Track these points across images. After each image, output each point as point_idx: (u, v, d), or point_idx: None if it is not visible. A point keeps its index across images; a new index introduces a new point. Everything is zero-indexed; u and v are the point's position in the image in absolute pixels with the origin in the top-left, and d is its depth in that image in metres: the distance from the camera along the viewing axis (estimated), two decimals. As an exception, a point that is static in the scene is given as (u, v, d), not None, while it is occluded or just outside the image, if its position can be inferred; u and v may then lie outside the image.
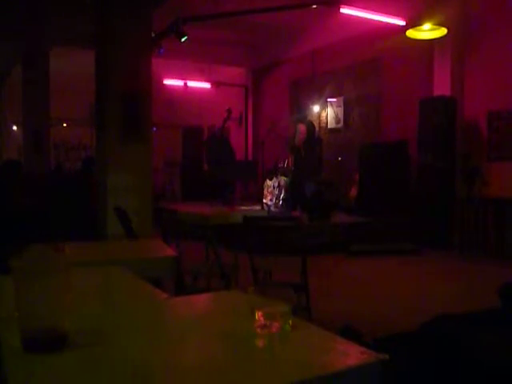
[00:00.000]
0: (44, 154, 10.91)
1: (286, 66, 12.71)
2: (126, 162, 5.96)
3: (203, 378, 1.03)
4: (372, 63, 10.17)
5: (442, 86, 8.32)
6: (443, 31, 7.51)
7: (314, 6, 8.85)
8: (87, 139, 14.37)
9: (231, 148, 11.53)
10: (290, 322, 1.26)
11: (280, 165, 9.51)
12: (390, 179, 8.65)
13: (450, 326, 1.78)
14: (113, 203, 5.27)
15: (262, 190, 9.49)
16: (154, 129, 8.22)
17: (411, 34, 7.66)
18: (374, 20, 8.88)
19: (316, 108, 11.54)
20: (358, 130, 10.65)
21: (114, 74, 6.02)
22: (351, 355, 1.12)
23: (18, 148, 13.56)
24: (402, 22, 8.83)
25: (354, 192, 9.59)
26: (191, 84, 14.05)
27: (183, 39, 9.01)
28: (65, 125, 15.18)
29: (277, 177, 9.20)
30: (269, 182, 9.29)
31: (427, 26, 7.47)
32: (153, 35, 7.50)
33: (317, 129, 10.79)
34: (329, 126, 11.38)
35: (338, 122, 11.13)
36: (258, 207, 9.52)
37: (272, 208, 9.02)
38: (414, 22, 7.68)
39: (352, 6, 8.53)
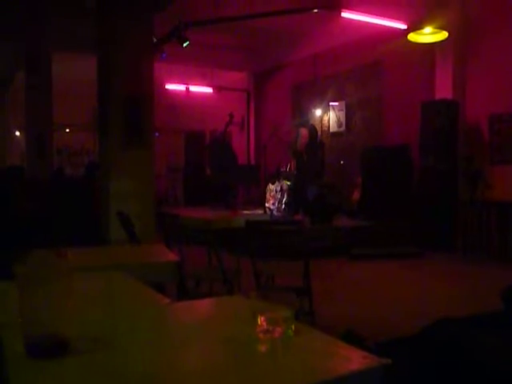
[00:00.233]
0: (47, 159, 10.92)
1: (287, 70, 12.73)
2: (129, 167, 5.98)
3: (206, 382, 1.03)
4: (373, 67, 10.18)
5: (443, 90, 8.32)
6: (444, 35, 7.51)
7: (316, 11, 8.87)
8: (90, 144, 14.40)
9: (233, 152, 11.55)
10: (293, 326, 1.26)
11: (282, 169, 9.52)
12: (392, 182, 8.64)
13: (453, 329, 1.78)
14: (115, 208, 5.28)
15: (265, 194, 9.49)
16: (157, 134, 8.23)
17: (412, 37, 7.66)
18: (375, 24, 8.89)
19: (318, 112, 11.55)
20: (360, 134, 10.66)
21: (116, 78, 6.04)
22: (354, 360, 1.12)
23: (21, 153, 13.59)
24: (403, 26, 8.84)
25: (356, 195, 9.58)
26: (193, 89, 14.09)
27: (185, 44, 9.04)
28: (67, 130, 15.22)
29: (279, 181, 9.20)
30: (271, 186, 9.28)
31: (428, 29, 7.47)
32: (155, 40, 7.52)
33: (319, 133, 10.79)
34: (331, 130, 11.38)
35: (339, 125, 11.13)
36: (260, 211, 9.52)
37: (274, 212, 9.01)
38: (415, 26, 7.68)
39: (353, 10, 8.55)
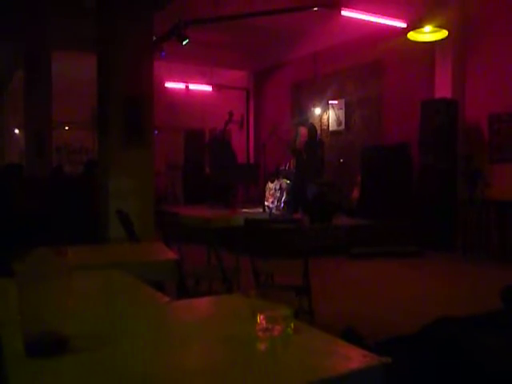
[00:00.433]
0: (46, 157, 10.92)
1: (287, 68, 12.72)
2: (128, 165, 5.97)
3: (205, 381, 1.03)
4: (373, 65, 10.18)
5: (443, 88, 8.32)
6: (444, 33, 7.51)
7: (315, 9, 8.86)
8: (89, 142, 14.39)
9: (233, 151, 11.54)
10: (292, 325, 1.26)
11: (282, 167, 9.52)
12: (391, 181, 8.64)
13: (452, 328, 1.78)
14: (115, 206, 5.27)
15: (264, 192, 9.49)
16: (156, 132, 8.23)
17: (412, 36, 7.66)
18: (375, 22, 8.89)
19: (318, 110, 11.55)
20: (360, 133, 10.66)
21: (115, 77, 6.03)
22: (353, 358, 1.12)
23: (20, 151, 13.58)
24: (403, 25, 8.84)
25: (355, 194, 9.59)
26: (193, 87, 14.07)
27: (185, 42, 9.04)
28: (67, 128, 15.20)
29: (278, 179, 9.20)
30: (270, 185, 9.29)
31: (428, 28, 7.47)
32: (154, 38, 7.51)
33: (318, 131, 10.79)
34: (330, 129, 11.38)
35: (339, 124, 11.13)
36: (259, 210, 9.52)
37: (274, 211, 9.02)
38: (414, 25, 7.68)
39: (353, 8, 8.54)
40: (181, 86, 13.82)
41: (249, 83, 14.08)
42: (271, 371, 1.07)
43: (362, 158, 9.48)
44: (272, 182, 9.29)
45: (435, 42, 7.94)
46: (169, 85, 13.57)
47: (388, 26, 8.96)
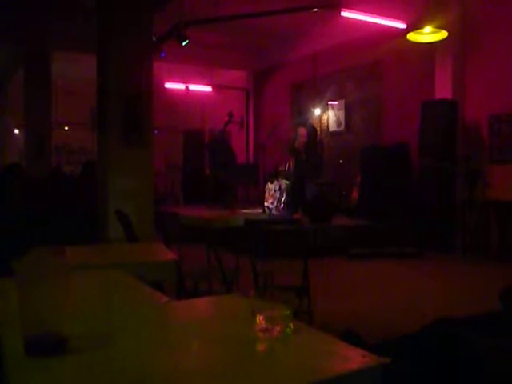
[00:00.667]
0: (46, 157, 10.92)
1: (287, 69, 12.72)
2: (128, 165, 5.97)
3: (204, 381, 1.03)
4: (373, 66, 10.18)
5: (443, 89, 8.32)
6: (444, 34, 7.51)
7: (315, 10, 8.87)
8: (89, 143, 14.38)
9: (232, 151, 11.54)
10: (292, 325, 1.26)
11: (281, 168, 9.52)
12: (391, 182, 8.64)
13: (451, 329, 1.78)
14: (114, 206, 5.28)
15: (264, 193, 9.49)
16: (156, 132, 8.23)
17: (412, 37, 7.66)
18: (374, 23, 8.90)
19: (317, 111, 11.55)
20: (360, 133, 10.66)
21: (115, 77, 6.04)
22: (352, 359, 1.12)
23: (20, 151, 13.57)
24: (402, 26, 8.84)
25: (355, 195, 9.59)
26: (192, 87, 14.08)
27: (184, 43, 9.05)
28: (66, 128, 15.20)
29: (278, 180, 9.20)
30: (270, 185, 9.29)
31: (428, 29, 7.47)
32: (154, 39, 7.52)
33: (318, 132, 10.79)
34: (330, 129, 11.38)
35: (339, 125, 11.13)
36: (259, 210, 9.51)
37: (273, 211, 9.02)
38: (414, 25, 7.68)
39: (353, 9, 8.55)
40: (180, 86, 13.82)
41: (248, 84, 14.08)
42: (270, 371, 1.08)
43: (361, 159, 9.48)
44: (271, 182, 9.29)
45: (435, 42, 7.94)
46: (168, 85, 13.57)
47: (388, 26, 8.96)
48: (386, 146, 9.50)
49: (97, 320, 1.44)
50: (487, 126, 8.01)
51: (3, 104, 15.51)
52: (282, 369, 1.09)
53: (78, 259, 2.43)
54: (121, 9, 6.05)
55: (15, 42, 10.65)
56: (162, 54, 9.59)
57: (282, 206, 8.98)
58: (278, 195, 9.05)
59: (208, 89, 14.23)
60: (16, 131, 15.71)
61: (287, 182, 9.11)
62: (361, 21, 8.83)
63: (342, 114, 11.04)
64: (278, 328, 1.24)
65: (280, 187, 9.06)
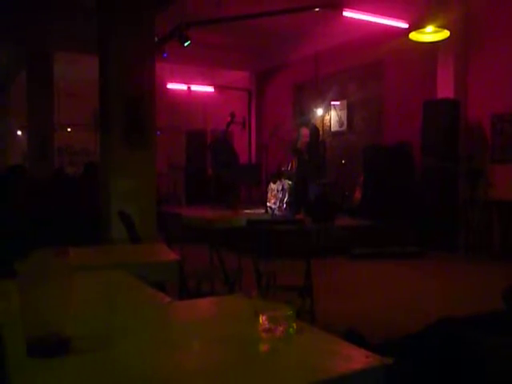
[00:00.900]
0: (49, 158, 10.94)
1: (289, 69, 12.72)
2: (130, 166, 5.98)
3: (207, 382, 1.03)
4: (375, 66, 10.17)
5: (445, 89, 8.31)
6: (446, 34, 7.50)
7: (317, 10, 8.86)
8: (91, 144, 14.40)
9: (235, 152, 11.54)
10: (294, 325, 1.26)
11: (283, 168, 9.51)
12: (393, 181, 8.64)
13: (454, 328, 1.78)
14: (117, 207, 5.28)
15: (266, 193, 9.49)
16: (158, 133, 8.24)
17: (414, 36, 7.65)
18: (376, 23, 8.89)
19: (319, 111, 11.54)
20: (362, 133, 10.65)
21: (117, 78, 6.04)
22: (355, 359, 1.12)
23: (23, 153, 13.60)
24: (404, 25, 8.83)
25: (357, 194, 9.58)
26: (195, 88, 14.09)
27: (186, 44, 9.05)
28: (69, 129, 15.23)
29: (280, 180, 9.20)
30: (272, 186, 9.29)
31: (430, 28, 7.46)
32: (156, 39, 7.52)
33: (320, 132, 10.79)
34: (332, 129, 11.38)
35: (341, 125, 11.13)
36: (261, 211, 9.51)
37: (276, 211, 9.01)
38: (416, 25, 7.67)
39: (355, 9, 8.54)
40: (183, 87, 13.84)
41: (251, 84, 14.08)
42: (273, 371, 1.07)
43: (363, 159, 9.48)
44: (274, 182, 9.29)
45: (437, 42, 7.93)
46: (171, 86, 13.59)
47: (390, 26, 8.96)
48: (388, 145, 9.49)
49: (99, 321, 1.44)
50: (489, 125, 8.00)
51: (6, 105, 15.54)
52: (285, 369, 1.09)
53: (81, 260, 2.43)
54: (123, 9, 6.05)
55: (16, 42, 10.67)
56: (164, 55, 9.60)
57: (285, 206, 8.97)
58: (280, 195, 9.05)
59: (210, 89, 14.23)
60: (19, 133, 15.75)
61: (290, 182, 9.11)
62: (363, 20, 8.83)
63: (344, 113, 11.04)
64: (281, 328, 1.24)
65: (282, 187, 9.06)
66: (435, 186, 8.07)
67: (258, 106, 13.91)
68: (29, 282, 1.12)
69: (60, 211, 6.40)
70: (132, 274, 2.05)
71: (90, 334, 1.28)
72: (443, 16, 7.60)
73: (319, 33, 10.52)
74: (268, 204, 9.27)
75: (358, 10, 8.59)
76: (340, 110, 11.13)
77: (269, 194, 9.32)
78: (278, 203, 9.05)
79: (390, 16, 8.80)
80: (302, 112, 11.96)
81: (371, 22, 8.84)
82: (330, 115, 11.42)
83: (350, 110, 10.89)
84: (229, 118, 11.48)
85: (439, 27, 7.46)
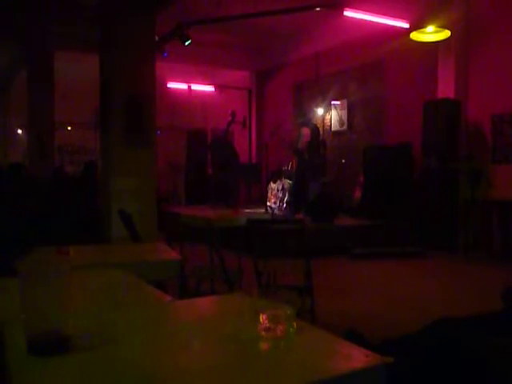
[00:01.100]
0: (48, 157, 10.94)
1: (289, 68, 12.72)
2: (130, 165, 5.98)
3: (207, 380, 1.03)
4: (376, 66, 10.17)
5: (445, 89, 8.31)
6: (447, 33, 7.50)
7: (318, 9, 8.86)
8: (91, 143, 14.40)
9: (235, 151, 11.54)
10: (295, 324, 1.26)
11: (284, 168, 9.51)
12: (393, 181, 8.64)
13: (453, 328, 1.78)
14: (117, 206, 5.28)
15: (266, 192, 9.49)
16: (158, 132, 8.24)
17: (415, 36, 7.65)
18: (377, 23, 8.88)
19: (320, 111, 11.54)
20: (362, 133, 10.65)
21: (118, 77, 6.04)
22: (355, 358, 1.12)
23: (23, 151, 13.61)
24: (405, 25, 8.83)
25: (357, 194, 9.58)
26: (195, 87, 14.09)
27: (187, 43, 9.05)
28: (69, 128, 15.22)
29: (281, 180, 9.20)
30: (273, 185, 9.28)
31: (431, 28, 7.46)
32: (156, 39, 7.52)
33: (321, 131, 10.78)
34: (333, 129, 11.38)
35: (342, 124, 11.13)
36: (261, 210, 9.51)
37: (276, 211, 9.01)
38: (417, 25, 7.68)
39: (356, 8, 8.54)
40: (183, 86, 13.83)
41: (251, 83, 14.07)
42: (273, 371, 1.07)
43: (364, 158, 9.48)
44: (274, 182, 9.29)
45: (438, 42, 7.93)
46: (171, 85, 13.59)
47: (391, 26, 8.95)
48: (388, 145, 9.50)
49: (99, 319, 1.45)
50: (490, 125, 8.00)
51: (7, 104, 15.55)
52: (285, 368, 1.09)
53: (81, 259, 2.43)
54: (123, 9, 6.05)
55: (18, 42, 10.68)
56: (165, 54, 9.60)
57: (285, 205, 8.97)
58: (280, 195, 9.05)
59: (210, 89, 14.22)
60: (19, 131, 15.74)
61: (290, 181, 9.10)
62: (363, 20, 8.82)
63: (344, 113, 11.04)
64: (281, 327, 1.24)
65: (283, 187, 9.06)
66: (435, 186, 8.06)
67: (258, 105, 13.91)
68: (29, 281, 1.12)
69: (60, 210, 6.40)
70: (132, 273, 2.06)
71: (90, 332, 1.28)
72: (444, 16, 7.60)
73: (320, 32, 10.52)
74: (268, 203, 9.27)
75: (359, 9, 8.59)
76: (340, 109, 11.13)
77: (269, 194, 9.32)
78: (278, 203, 9.05)
79: (390, 16, 8.80)
80: (302, 111, 11.97)
81: (372, 21, 8.83)
82: (330, 115, 11.42)
83: (351, 110, 10.89)
84: (229, 118, 11.48)
85: (440, 27, 7.46)
